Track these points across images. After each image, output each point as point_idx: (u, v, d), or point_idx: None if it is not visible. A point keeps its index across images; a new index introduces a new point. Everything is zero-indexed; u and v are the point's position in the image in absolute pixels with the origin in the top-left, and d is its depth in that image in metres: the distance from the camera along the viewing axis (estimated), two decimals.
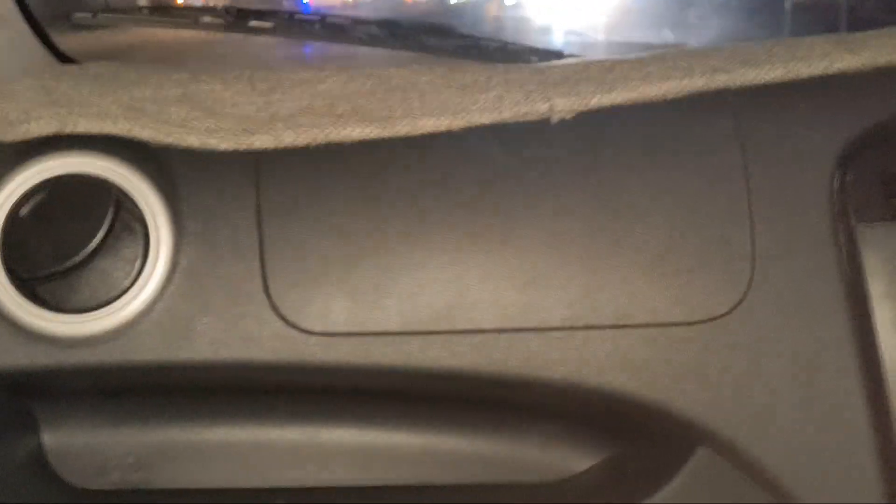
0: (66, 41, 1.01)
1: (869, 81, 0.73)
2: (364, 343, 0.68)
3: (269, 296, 0.68)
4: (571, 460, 0.78)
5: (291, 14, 1.09)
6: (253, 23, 1.07)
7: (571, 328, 0.68)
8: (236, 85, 0.77)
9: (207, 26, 1.05)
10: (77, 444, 0.80)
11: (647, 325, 0.68)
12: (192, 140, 0.67)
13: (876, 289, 0.71)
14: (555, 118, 0.70)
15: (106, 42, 1.11)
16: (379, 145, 0.70)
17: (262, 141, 0.68)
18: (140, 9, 1.09)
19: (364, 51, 1.15)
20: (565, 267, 0.69)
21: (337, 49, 1.17)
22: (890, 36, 0.73)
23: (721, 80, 0.70)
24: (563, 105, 0.70)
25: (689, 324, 0.68)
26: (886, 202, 0.73)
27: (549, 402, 0.75)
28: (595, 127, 0.72)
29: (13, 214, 0.66)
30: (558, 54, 1.11)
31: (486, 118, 0.70)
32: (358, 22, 1.10)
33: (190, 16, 1.06)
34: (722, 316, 0.68)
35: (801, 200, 0.70)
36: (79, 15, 1.01)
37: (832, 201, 0.70)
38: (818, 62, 0.71)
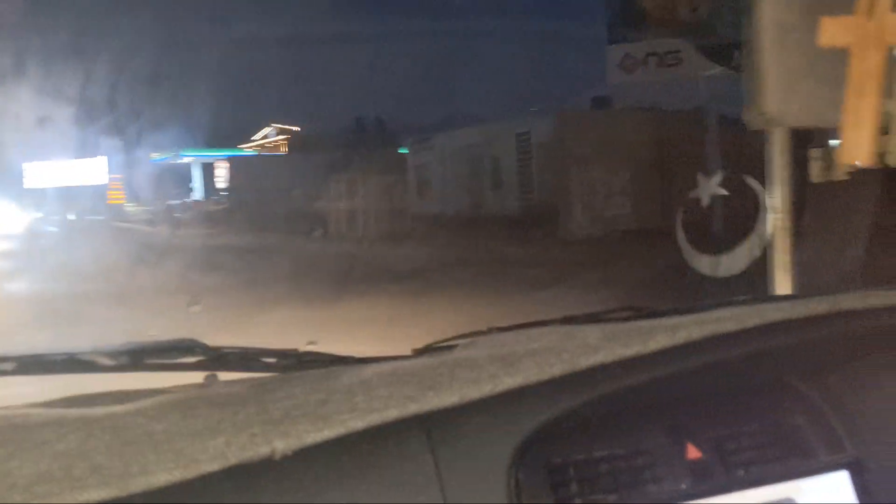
0: None
1: (532, 389, 0.92)
2: None
3: None
4: None
5: (38, 355, 1.14)
6: None
7: None
8: None
9: None
10: None
11: None
12: None
13: None
14: (277, 456, 0.82)
15: None
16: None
17: None
18: None
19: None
20: None
21: None
22: (541, 354, 0.94)
23: (412, 409, 0.86)
24: (283, 446, 0.82)
25: None
26: (554, 492, 0.90)
27: None
28: (310, 461, 0.84)
29: None
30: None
31: (216, 465, 0.80)
32: (104, 353, 1.17)
33: None
34: None
35: (487, 498, 0.85)
36: None
37: (511, 497, 0.86)
38: (486, 385, 0.89)
